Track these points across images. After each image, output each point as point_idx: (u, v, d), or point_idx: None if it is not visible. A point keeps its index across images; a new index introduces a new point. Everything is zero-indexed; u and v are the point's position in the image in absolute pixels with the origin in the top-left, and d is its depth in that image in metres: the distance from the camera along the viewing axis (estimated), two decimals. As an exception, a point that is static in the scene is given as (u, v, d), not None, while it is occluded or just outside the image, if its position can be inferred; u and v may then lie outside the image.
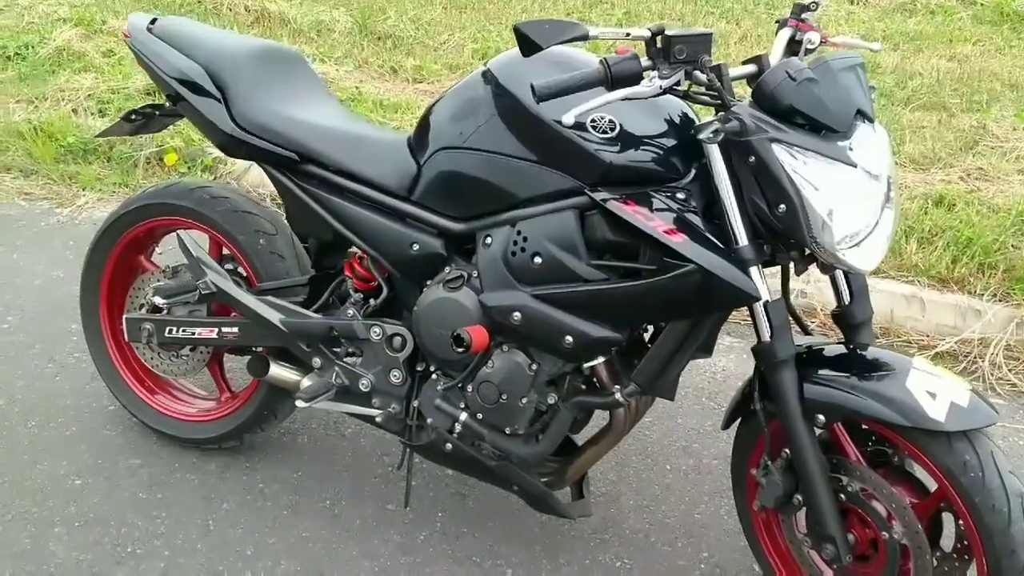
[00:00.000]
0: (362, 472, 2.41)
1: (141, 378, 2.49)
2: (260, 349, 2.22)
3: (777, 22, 1.89)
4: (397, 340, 2.02)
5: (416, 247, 1.94)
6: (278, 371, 2.16)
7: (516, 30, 1.54)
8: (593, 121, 1.71)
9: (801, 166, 1.57)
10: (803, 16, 1.84)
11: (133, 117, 2.30)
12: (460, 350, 1.78)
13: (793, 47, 1.83)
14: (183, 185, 2.32)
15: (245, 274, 2.25)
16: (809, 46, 1.79)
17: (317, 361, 2.11)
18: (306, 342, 2.10)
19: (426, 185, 1.92)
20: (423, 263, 1.95)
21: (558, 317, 1.75)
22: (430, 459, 2.08)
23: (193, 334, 2.23)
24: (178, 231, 2.23)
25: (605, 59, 1.59)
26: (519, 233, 1.78)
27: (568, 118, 1.57)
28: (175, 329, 2.24)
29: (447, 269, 1.93)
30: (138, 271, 2.45)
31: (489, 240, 1.83)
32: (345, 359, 2.09)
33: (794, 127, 1.59)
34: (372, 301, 2.06)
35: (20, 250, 3.55)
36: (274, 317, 2.11)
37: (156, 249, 2.51)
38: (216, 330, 2.20)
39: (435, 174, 1.90)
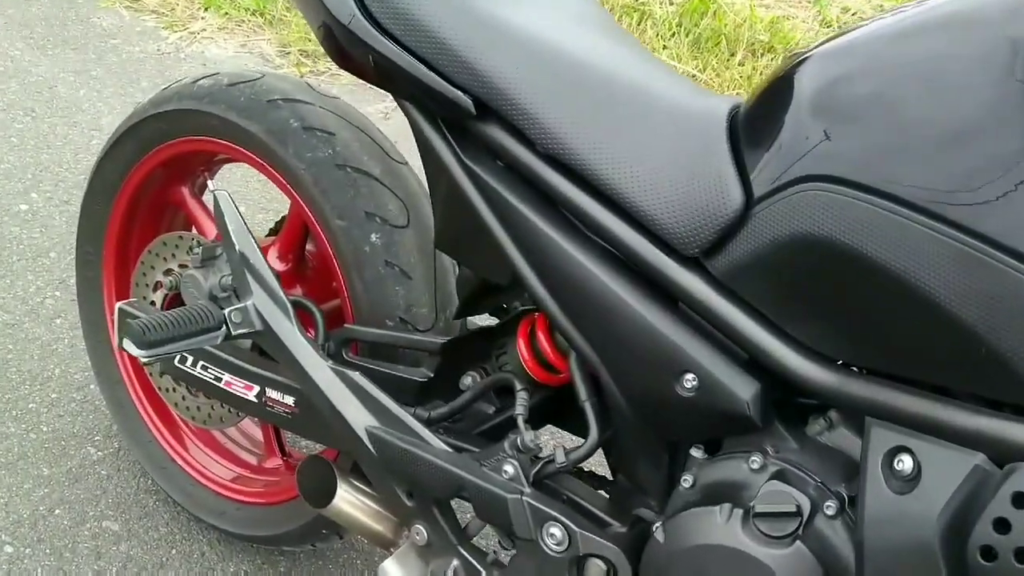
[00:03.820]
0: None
1: (153, 396, 1.45)
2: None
3: None
4: (596, 570, 0.91)
5: (691, 382, 0.83)
6: (349, 506, 1.10)
7: None
8: None
9: None
10: None
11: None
12: None
13: None
14: (264, 88, 1.22)
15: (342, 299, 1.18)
16: None
17: (421, 532, 1.03)
18: (407, 488, 1.03)
19: (751, 253, 0.79)
20: (697, 420, 0.84)
21: None
22: None
23: (218, 380, 1.18)
24: (215, 190, 1.13)
25: None
26: (1019, 504, 0.63)
27: None
28: (190, 361, 1.20)
29: (754, 459, 0.82)
30: (172, 214, 1.42)
31: (900, 464, 0.70)
32: (473, 543, 1.02)
33: None
34: (561, 453, 0.95)
35: (92, 84, 2.58)
36: (356, 417, 1.03)
37: (208, 183, 1.42)
38: (257, 389, 1.15)
39: (781, 238, 0.76)
